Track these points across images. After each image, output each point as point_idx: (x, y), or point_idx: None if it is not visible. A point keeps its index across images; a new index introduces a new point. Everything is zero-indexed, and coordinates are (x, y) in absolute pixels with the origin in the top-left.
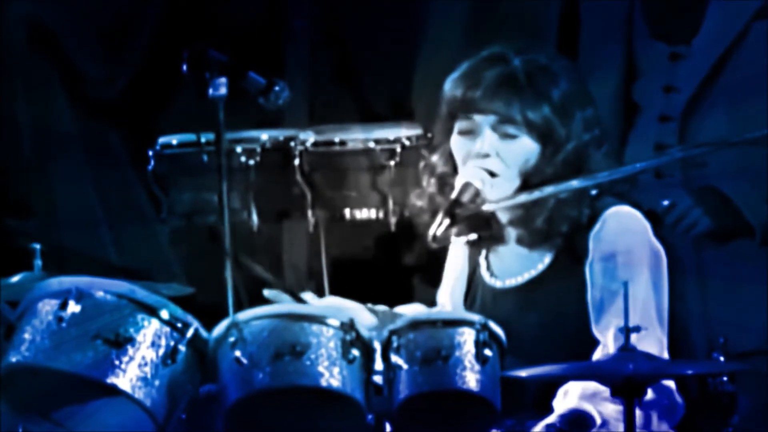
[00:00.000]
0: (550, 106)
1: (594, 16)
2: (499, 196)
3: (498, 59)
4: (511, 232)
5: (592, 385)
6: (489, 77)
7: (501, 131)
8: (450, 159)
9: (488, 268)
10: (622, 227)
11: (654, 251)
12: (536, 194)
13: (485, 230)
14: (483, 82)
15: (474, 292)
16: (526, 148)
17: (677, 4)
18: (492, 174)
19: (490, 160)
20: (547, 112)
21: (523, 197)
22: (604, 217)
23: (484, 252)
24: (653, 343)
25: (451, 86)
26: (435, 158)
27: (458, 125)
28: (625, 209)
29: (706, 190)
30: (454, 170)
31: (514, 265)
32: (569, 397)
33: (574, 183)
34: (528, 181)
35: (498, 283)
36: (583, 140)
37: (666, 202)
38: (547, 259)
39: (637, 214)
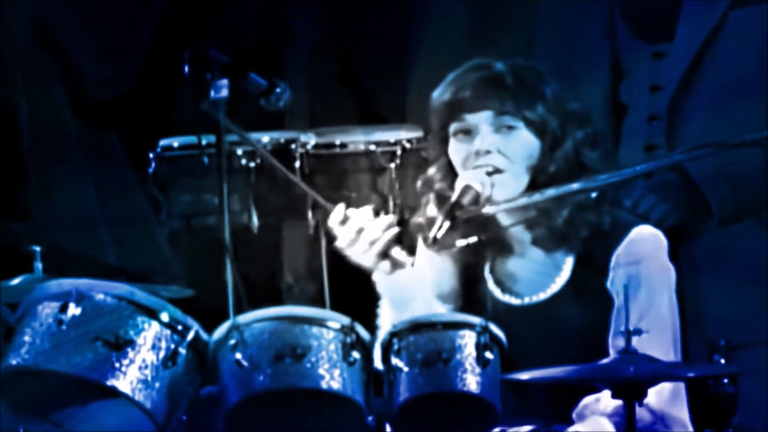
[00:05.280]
0: (544, 104)
1: (577, 14)
2: (507, 194)
3: (481, 67)
4: (525, 239)
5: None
6: (476, 79)
7: (498, 125)
8: (448, 172)
9: (498, 283)
10: (649, 248)
11: (672, 271)
12: (536, 197)
13: (484, 233)
14: (471, 84)
15: (477, 309)
16: (526, 141)
17: (654, 1)
18: (497, 170)
19: (492, 157)
20: (541, 111)
21: (524, 200)
22: (630, 238)
23: (488, 266)
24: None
25: (438, 95)
26: (432, 171)
27: (453, 128)
28: (648, 229)
29: (669, 184)
30: (449, 184)
31: (529, 280)
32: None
33: (575, 186)
34: (535, 180)
35: (514, 300)
36: (578, 138)
37: (629, 202)
38: (565, 274)
39: (659, 234)
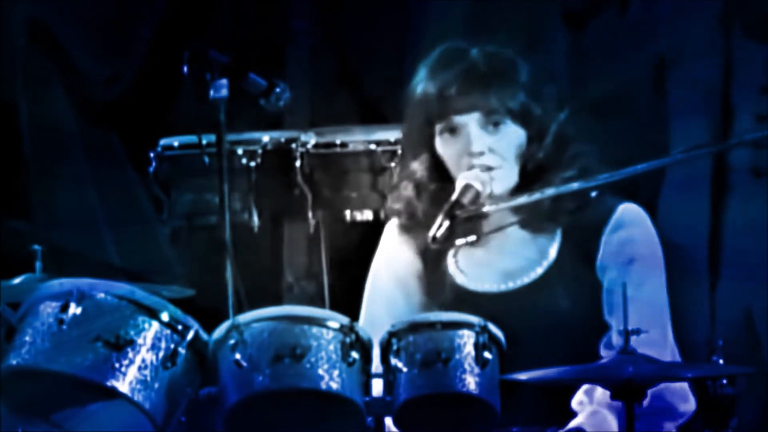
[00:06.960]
0: (523, 90)
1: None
2: (504, 187)
3: (456, 54)
4: (508, 224)
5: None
6: (458, 73)
7: (486, 124)
8: (431, 166)
9: (462, 271)
10: (641, 229)
11: (661, 252)
12: (536, 196)
13: (477, 231)
14: (454, 80)
15: (440, 299)
16: (514, 134)
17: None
18: (490, 168)
19: (486, 157)
20: (523, 98)
21: (524, 199)
22: (619, 218)
23: (453, 252)
24: (667, 344)
25: (421, 89)
26: (415, 165)
27: (440, 127)
28: (635, 208)
29: None
30: (433, 177)
31: (509, 267)
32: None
33: (575, 186)
34: (525, 167)
35: (489, 286)
36: (560, 120)
37: None
38: (550, 259)
39: (643, 212)
